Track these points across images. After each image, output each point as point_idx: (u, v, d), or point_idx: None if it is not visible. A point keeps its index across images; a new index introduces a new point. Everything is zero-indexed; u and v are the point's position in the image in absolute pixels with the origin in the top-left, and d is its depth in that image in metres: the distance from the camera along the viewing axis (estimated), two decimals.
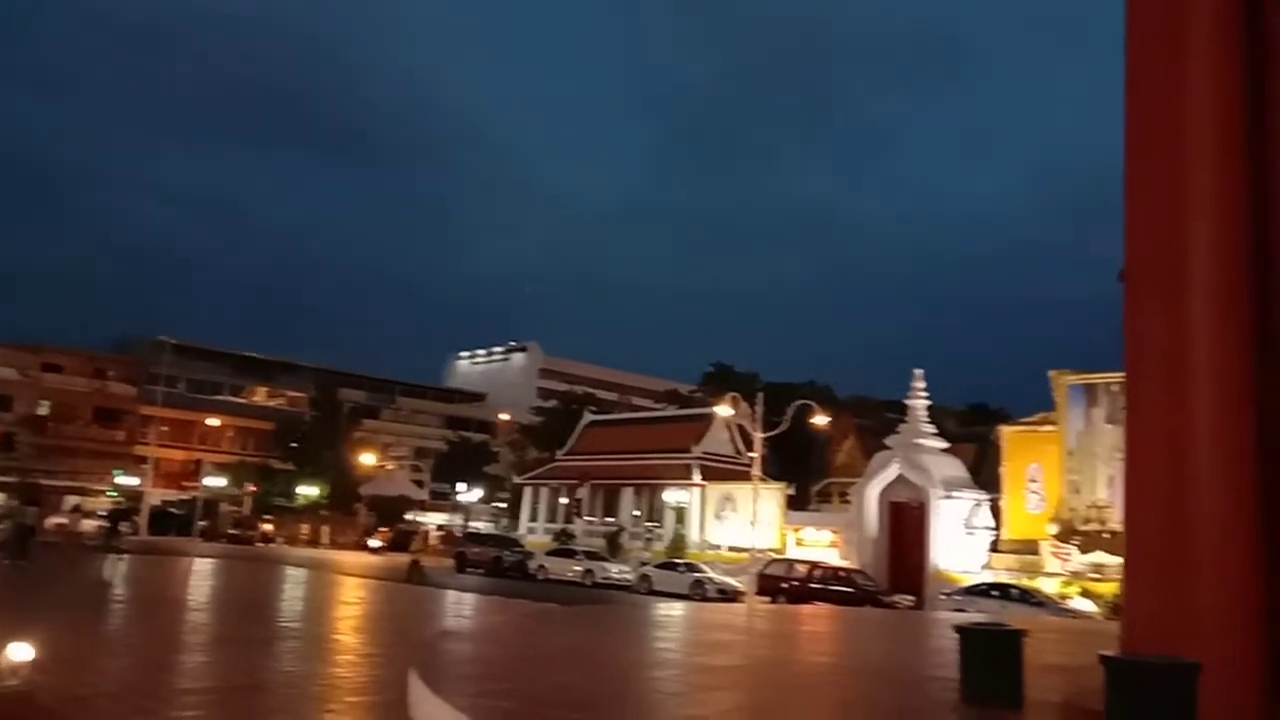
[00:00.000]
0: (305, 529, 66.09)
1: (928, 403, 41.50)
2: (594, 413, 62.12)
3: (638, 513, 50.93)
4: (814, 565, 35.05)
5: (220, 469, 64.80)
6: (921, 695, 9.37)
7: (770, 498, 43.61)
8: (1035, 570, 35.71)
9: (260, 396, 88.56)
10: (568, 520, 53.44)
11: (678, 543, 46.09)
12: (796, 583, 33.48)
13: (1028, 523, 38.19)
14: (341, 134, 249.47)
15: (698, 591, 34.63)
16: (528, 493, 57.38)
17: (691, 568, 37.42)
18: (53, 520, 42.64)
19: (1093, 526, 34.43)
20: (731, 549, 43.76)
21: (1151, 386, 8.06)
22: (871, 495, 40.09)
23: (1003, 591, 31.30)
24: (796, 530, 43.86)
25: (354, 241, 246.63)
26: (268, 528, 62.73)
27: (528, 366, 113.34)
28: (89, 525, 42.43)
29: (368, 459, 70.42)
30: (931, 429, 40.87)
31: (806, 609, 27.36)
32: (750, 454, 32.65)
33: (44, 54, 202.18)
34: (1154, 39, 8.44)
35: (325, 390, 77.81)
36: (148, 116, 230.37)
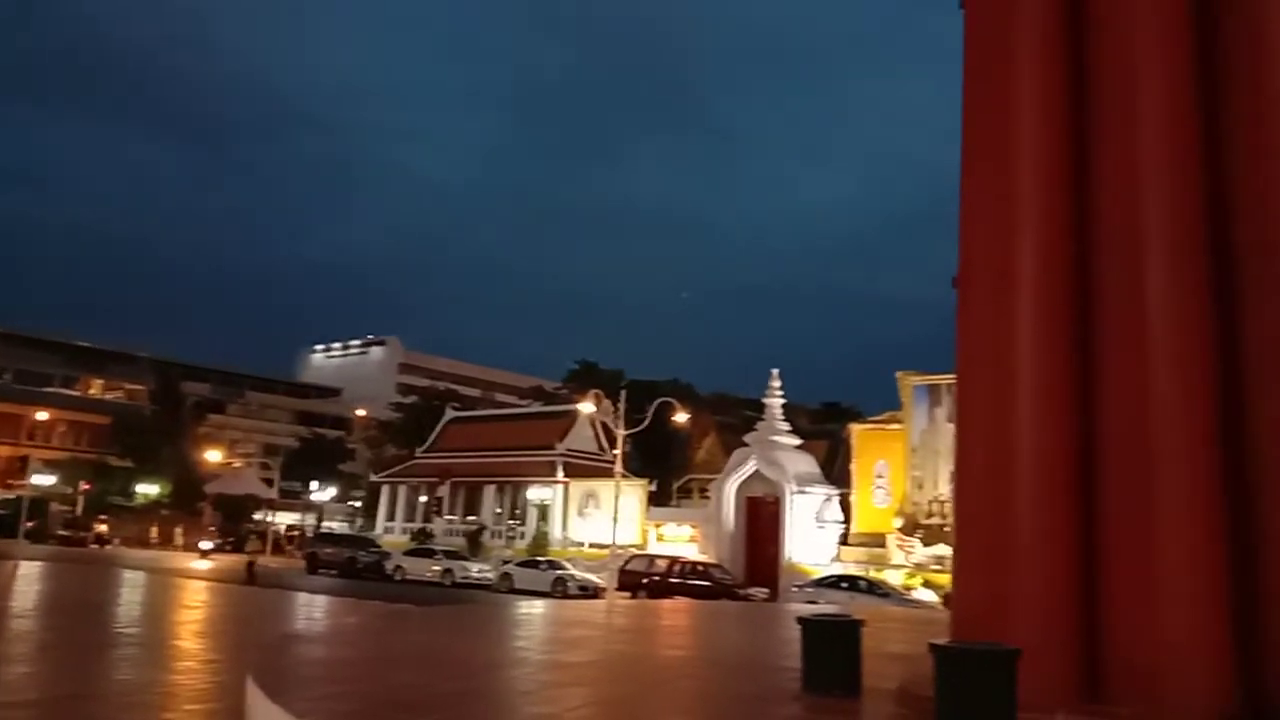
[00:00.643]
0: (154, 530, 62.68)
1: (784, 401, 42.72)
2: (456, 409, 61.14)
3: (500, 511, 50.46)
4: (674, 560, 35.50)
5: (50, 466, 60.43)
6: (766, 684, 9.63)
7: (632, 494, 44.00)
8: (882, 562, 37.32)
9: (95, 389, 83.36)
10: (427, 519, 52.40)
11: (540, 540, 45.91)
12: (657, 578, 33.84)
13: (875, 517, 39.89)
14: (188, 113, 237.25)
15: (559, 589, 34.57)
16: (385, 491, 55.95)
17: (553, 565, 37.33)
18: None
19: (934, 520, 36.24)
20: (594, 546, 43.92)
21: (979, 387, 8.51)
22: (730, 491, 41.01)
23: (851, 583, 32.50)
24: (658, 526, 44.38)
25: (199, 225, 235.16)
26: (103, 528, 59.11)
27: (386, 361, 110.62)
28: None
29: (213, 456, 67.23)
30: (787, 427, 42.10)
31: (666, 603, 27.72)
32: (614, 451, 32.84)
33: None
34: (987, 58, 8.91)
35: (167, 383, 73.87)
36: None
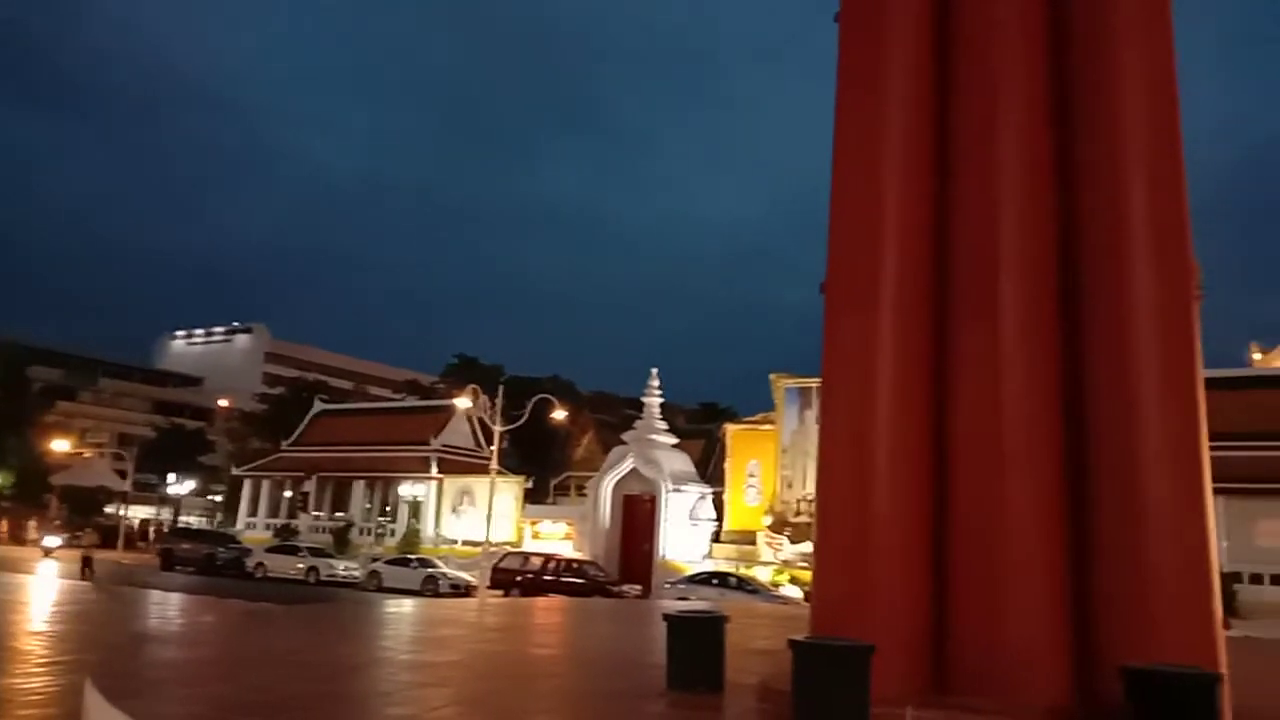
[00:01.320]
0: (3, 525, 58.49)
1: (662, 400, 43.13)
2: (326, 401, 59.32)
3: (370, 507, 49.23)
4: (548, 558, 35.36)
5: None
6: (632, 681, 9.67)
7: (509, 491, 43.64)
8: (752, 559, 38.12)
9: None
10: (292, 515, 50.67)
11: (411, 538, 45.00)
12: (531, 575, 33.65)
13: (747, 515, 40.73)
14: (47, 80, 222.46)
15: (430, 587, 33.97)
16: (248, 485, 53.78)
17: (424, 563, 36.64)
18: None
19: (802, 519, 37.21)
20: (467, 543, 43.34)
21: (842, 391, 8.76)
22: (607, 488, 41.13)
23: (722, 580, 33.05)
24: (534, 523, 44.14)
25: (54, 200, 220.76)
26: None
27: (252, 349, 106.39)
28: None
29: (61, 445, 63.25)
30: (664, 426, 42.51)
31: (539, 601, 27.57)
32: (490, 447, 32.46)
33: None
34: (858, 72, 9.19)
35: (11, 366, 69.04)
36: None
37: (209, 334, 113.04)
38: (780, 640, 10.44)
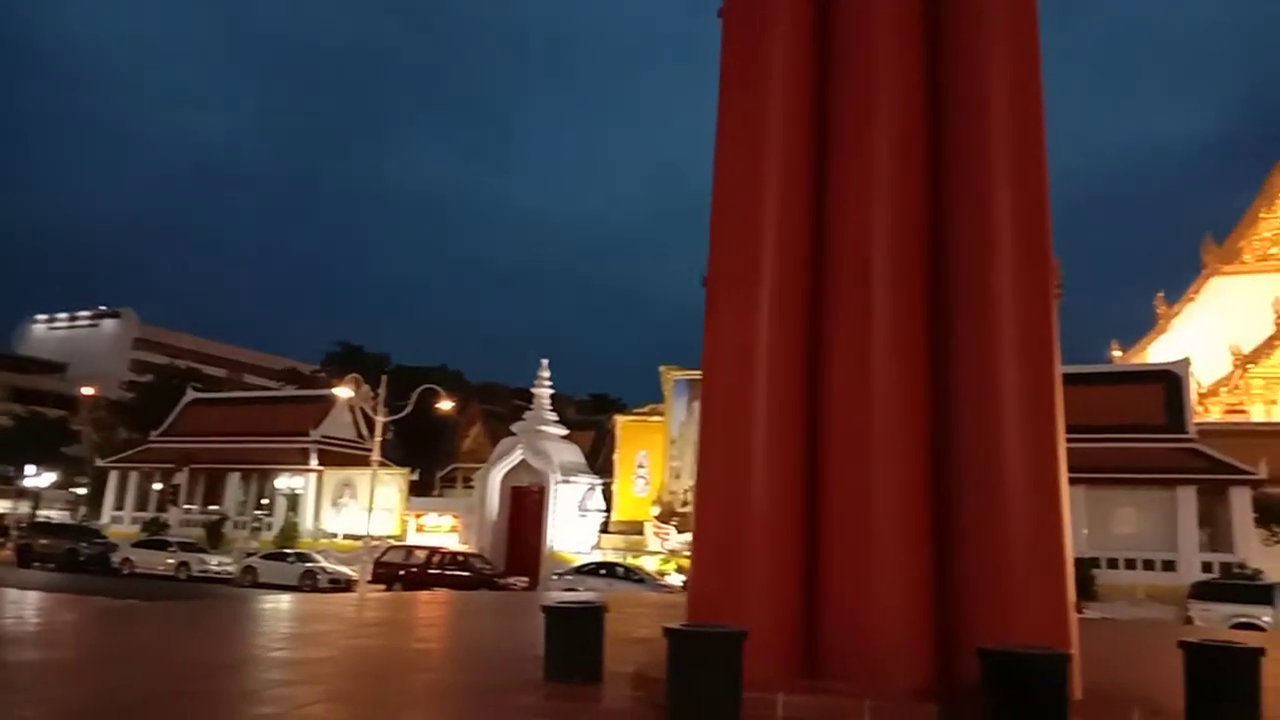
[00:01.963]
0: None
1: (552, 391, 42.96)
2: (199, 390, 56.90)
3: (245, 500, 47.53)
4: (433, 551, 34.83)
5: None
6: (509, 674, 9.59)
7: (392, 483, 42.79)
8: (640, 549, 38.43)
9: None
10: (162, 509, 48.50)
11: (289, 532, 43.65)
12: (415, 569, 33.08)
13: (635, 505, 41.01)
14: None
15: (308, 582, 33.04)
16: (114, 478, 51.16)
17: (302, 557, 35.60)
18: None
19: (689, 509, 37.65)
20: (348, 537, 42.35)
21: (721, 384, 8.88)
22: (495, 480, 40.76)
23: (609, 570, 33.24)
24: (418, 516, 43.42)
25: None
26: None
27: (120, 335, 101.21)
28: None
29: None
30: (554, 417, 42.37)
31: (422, 595, 27.12)
32: (373, 439, 31.71)
33: None
34: (741, 69, 9.29)
35: None
36: None
37: (73, 318, 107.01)
38: (661, 629, 10.52)
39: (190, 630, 13.85)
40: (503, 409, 55.65)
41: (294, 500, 45.48)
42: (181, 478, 48.43)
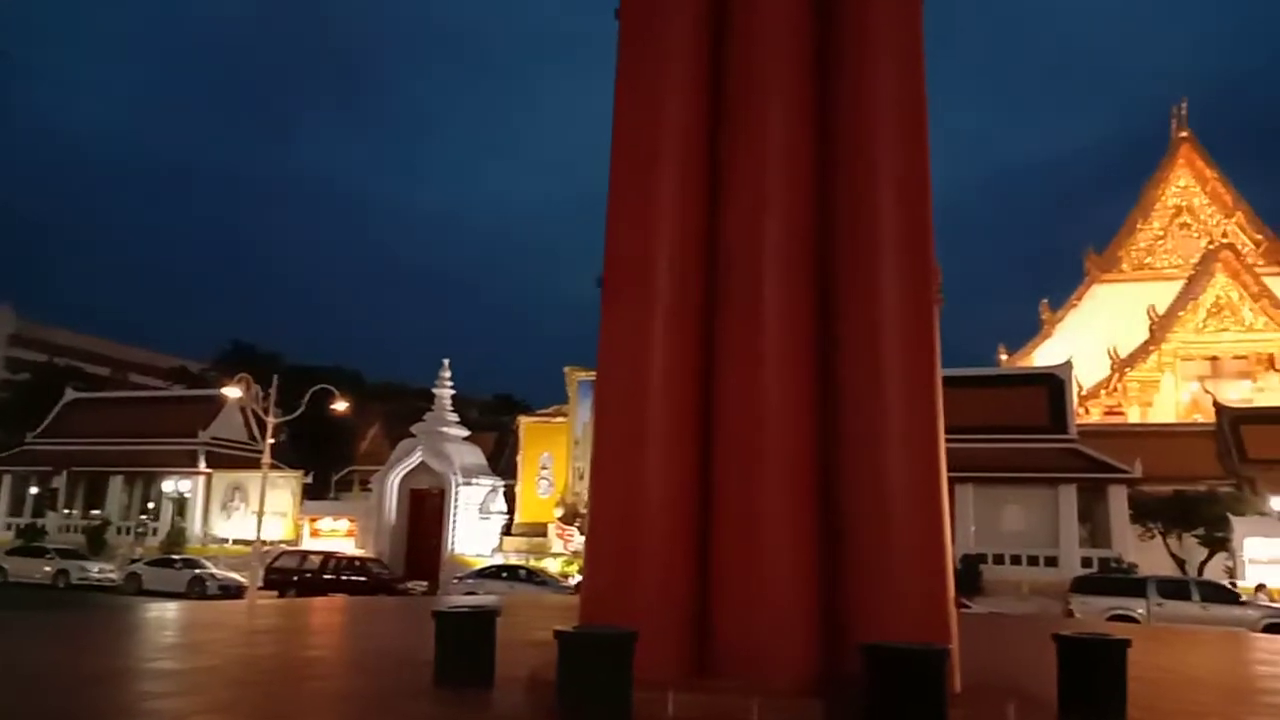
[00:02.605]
0: None
1: (454, 392, 42.39)
2: (80, 389, 54.27)
3: (129, 504, 45.55)
4: (328, 556, 33.99)
5: None
6: (401, 680, 9.41)
7: (285, 487, 41.63)
8: (543, 551, 38.24)
9: None
10: (39, 514, 46.12)
11: (176, 537, 42.06)
12: (309, 575, 32.23)
13: (538, 507, 40.81)
14: None
15: (196, 589, 31.85)
16: None
17: (190, 564, 34.31)
18: None
19: None
20: (239, 542, 41.00)
21: (616, 384, 8.89)
22: (393, 483, 40.01)
23: (511, 572, 32.97)
24: (313, 520, 42.31)
25: None
26: None
27: None
28: None
29: None
30: (455, 418, 41.82)
31: (317, 601, 26.43)
32: (269, 440, 30.78)
33: None
34: (637, 70, 9.33)
35: None
36: None
37: None
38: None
39: (62, 641, 13.19)
40: (403, 410, 54.52)
41: (181, 504, 43.85)
42: (60, 481, 46.15)
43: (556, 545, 38.24)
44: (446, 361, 42.10)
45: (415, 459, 39.95)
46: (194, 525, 43.39)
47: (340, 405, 31.10)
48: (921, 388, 8.38)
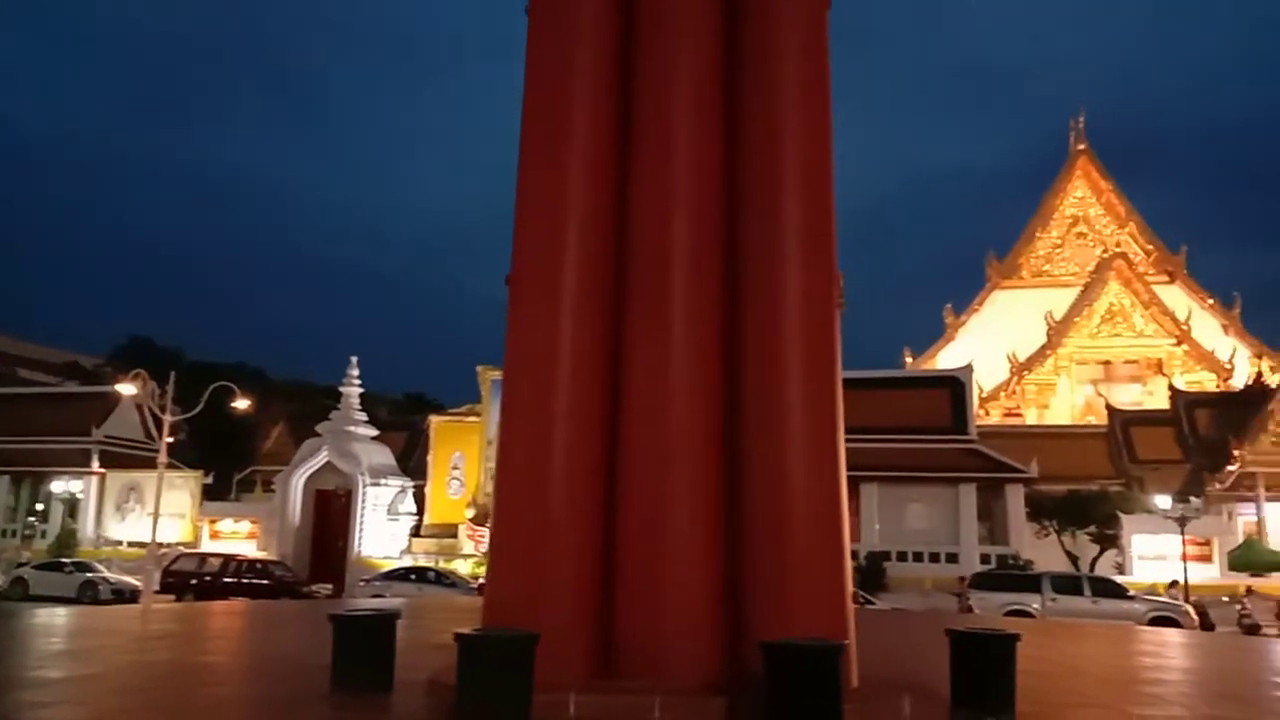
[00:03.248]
0: None
1: (362, 390, 41.59)
2: None
3: (14, 506, 43.49)
4: (229, 558, 32.99)
5: None
6: (297, 686, 9.17)
7: (184, 487, 40.27)
8: (453, 553, 37.77)
9: None
10: None
11: (66, 540, 40.27)
12: (209, 578, 31.23)
13: (449, 508, 40.29)
14: None
15: (88, 594, 30.56)
16: None
17: (82, 567, 32.89)
18: None
19: None
20: (135, 544, 39.50)
21: (523, 382, 8.84)
22: (297, 483, 39.05)
23: (420, 575, 32.49)
24: (213, 522, 41.02)
25: None
26: None
27: None
28: None
29: None
30: (364, 417, 41.05)
31: (216, 605, 25.63)
32: (167, 439, 29.67)
33: None
34: (546, 69, 9.28)
35: None
36: None
37: None
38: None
39: None
40: (309, 409, 53.20)
41: (72, 505, 42.05)
42: None
43: (467, 547, 37.80)
44: (355, 359, 41.30)
45: (321, 458, 39.07)
46: (86, 527, 41.66)
47: (242, 403, 30.15)
48: (822, 388, 8.53)
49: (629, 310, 8.86)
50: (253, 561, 33.31)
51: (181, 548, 36.80)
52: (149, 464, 40.10)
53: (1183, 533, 32.80)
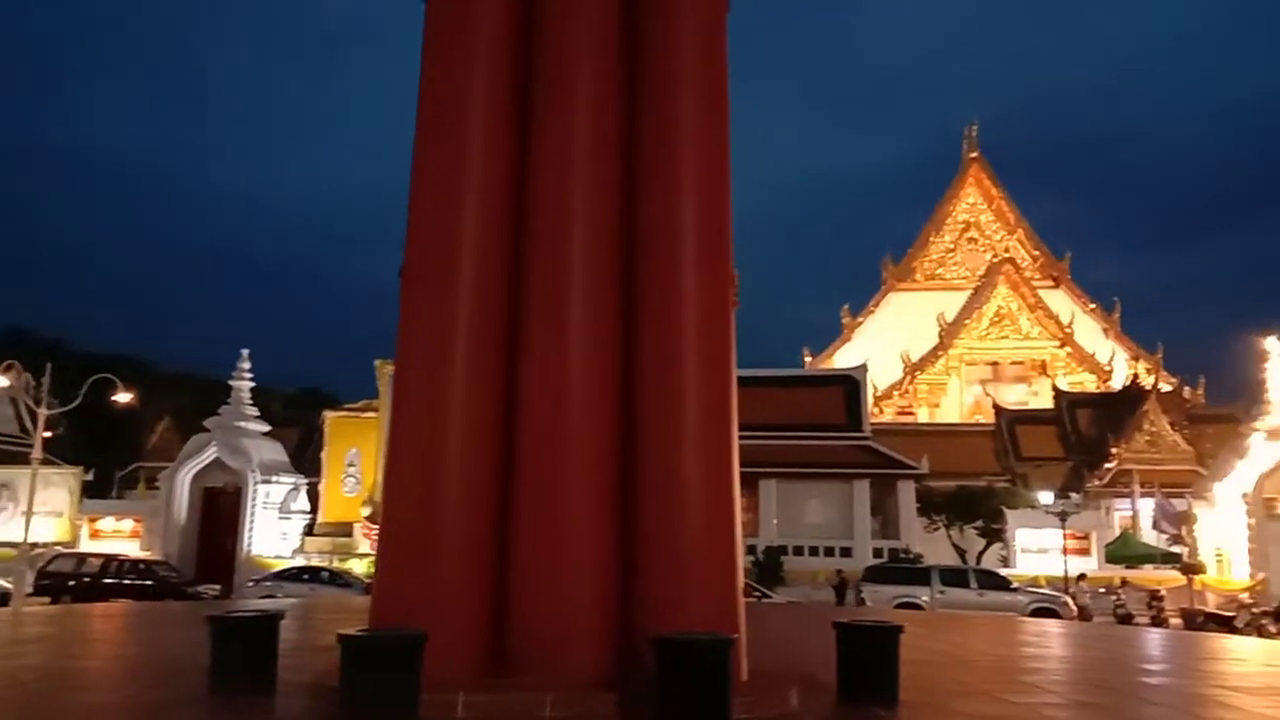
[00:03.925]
0: None
1: (254, 384, 40.32)
2: None
3: None
4: (109, 559, 31.64)
5: None
6: (173, 690, 8.79)
7: (61, 484, 38.32)
8: (348, 552, 36.95)
9: None
10: None
11: None
12: (88, 579, 29.91)
13: (344, 506, 39.39)
14: None
15: None
16: None
17: None
18: None
19: None
20: (6, 544, 37.36)
21: (415, 376, 8.66)
22: (183, 480, 37.64)
23: (313, 574, 31.68)
24: (93, 520, 39.20)
25: None
26: None
27: None
28: None
29: None
30: (255, 412, 39.81)
31: (95, 608, 24.45)
32: (43, 434, 28.15)
33: None
34: (443, 60, 9.12)
35: None
36: None
37: None
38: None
39: None
40: (197, 403, 51.27)
41: None
42: None
43: (363, 545, 37.00)
44: (246, 352, 40.03)
45: (209, 455, 37.75)
46: None
47: (125, 396, 28.83)
48: (717, 386, 8.61)
49: (526, 303, 8.75)
50: (135, 561, 32.04)
51: (59, 548, 35.06)
52: (22, 459, 38.08)
53: (1063, 527, 34.34)
